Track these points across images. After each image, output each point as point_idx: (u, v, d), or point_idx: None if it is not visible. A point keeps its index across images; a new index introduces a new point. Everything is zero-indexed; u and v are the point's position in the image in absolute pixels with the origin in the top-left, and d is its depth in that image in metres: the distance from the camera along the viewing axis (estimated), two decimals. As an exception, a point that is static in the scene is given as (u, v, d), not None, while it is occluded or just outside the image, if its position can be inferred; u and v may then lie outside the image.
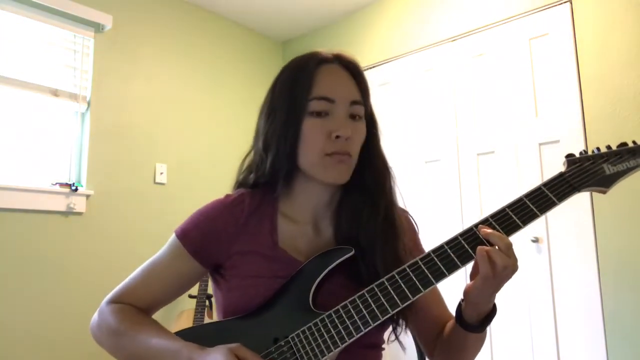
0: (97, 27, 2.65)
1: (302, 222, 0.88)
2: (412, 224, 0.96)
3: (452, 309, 0.95)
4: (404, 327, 0.84)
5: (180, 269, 0.85)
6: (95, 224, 2.53)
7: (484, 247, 0.71)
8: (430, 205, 2.72)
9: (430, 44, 2.85)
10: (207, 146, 3.10)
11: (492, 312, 0.78)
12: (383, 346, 0.91)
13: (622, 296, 2.07)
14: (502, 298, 2.35)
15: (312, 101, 0.81)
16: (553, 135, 2.34)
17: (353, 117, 0.84)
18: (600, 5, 2.25)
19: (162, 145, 2.88)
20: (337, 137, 0.81)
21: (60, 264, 2.38)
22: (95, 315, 0.86)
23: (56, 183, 2.43)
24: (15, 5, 2.36)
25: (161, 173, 2.84)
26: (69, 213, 2.44)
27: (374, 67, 3.09)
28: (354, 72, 0.87)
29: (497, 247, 0.71)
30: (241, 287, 0.82)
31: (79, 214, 2.47)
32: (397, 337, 0.85)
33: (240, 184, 0.92)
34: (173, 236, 0.87)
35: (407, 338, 0.94)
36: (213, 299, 2.60)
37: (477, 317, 0.78)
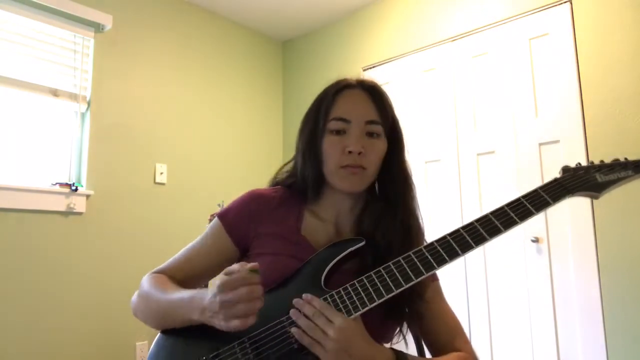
0: (97, 27, 2.66)
1: (327, 220, 0.98)
2: (420, 227, 1.02)
3: (455, 310, 0.99)
4: (406, 328, 0.91)
5: (216, 246, 0.97)
6: (95, 224, 2.53)
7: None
8: (431, 205, 2.72)
9: (431, 44, 2.85)
10: (207, 146, 3.10)
11: (398, 354, 0.81)
12: (387, 345, 0.91)
13: (622, 296, 2.07)
14: (503, 298, 2.36)
15: (331, 121, 0.94)
16: (553, 135, 2.34)
17: (370, 134, 0.94)
18: (600, 5, 2.25)
19: (162, 145, 2.88)
20: (350, 152, 0.91)
21: (60, 264, 2.38)
22: (135, 293, 0.96)
23: (56, 183, 2.43)
24: (15, 5, 2.36)
25: (161, 173, 2.84)
26: (69, 213, 2.44)
27: (374, 67, 3.09)
28: (373, 94, 0.98)
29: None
30: (261, 264, 0.87)
31: (79, 214, 2.48)
32: (404, 337, 0.92)
33: (277, 182, 1.04)
34: (215, 218, 0.99)
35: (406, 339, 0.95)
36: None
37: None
